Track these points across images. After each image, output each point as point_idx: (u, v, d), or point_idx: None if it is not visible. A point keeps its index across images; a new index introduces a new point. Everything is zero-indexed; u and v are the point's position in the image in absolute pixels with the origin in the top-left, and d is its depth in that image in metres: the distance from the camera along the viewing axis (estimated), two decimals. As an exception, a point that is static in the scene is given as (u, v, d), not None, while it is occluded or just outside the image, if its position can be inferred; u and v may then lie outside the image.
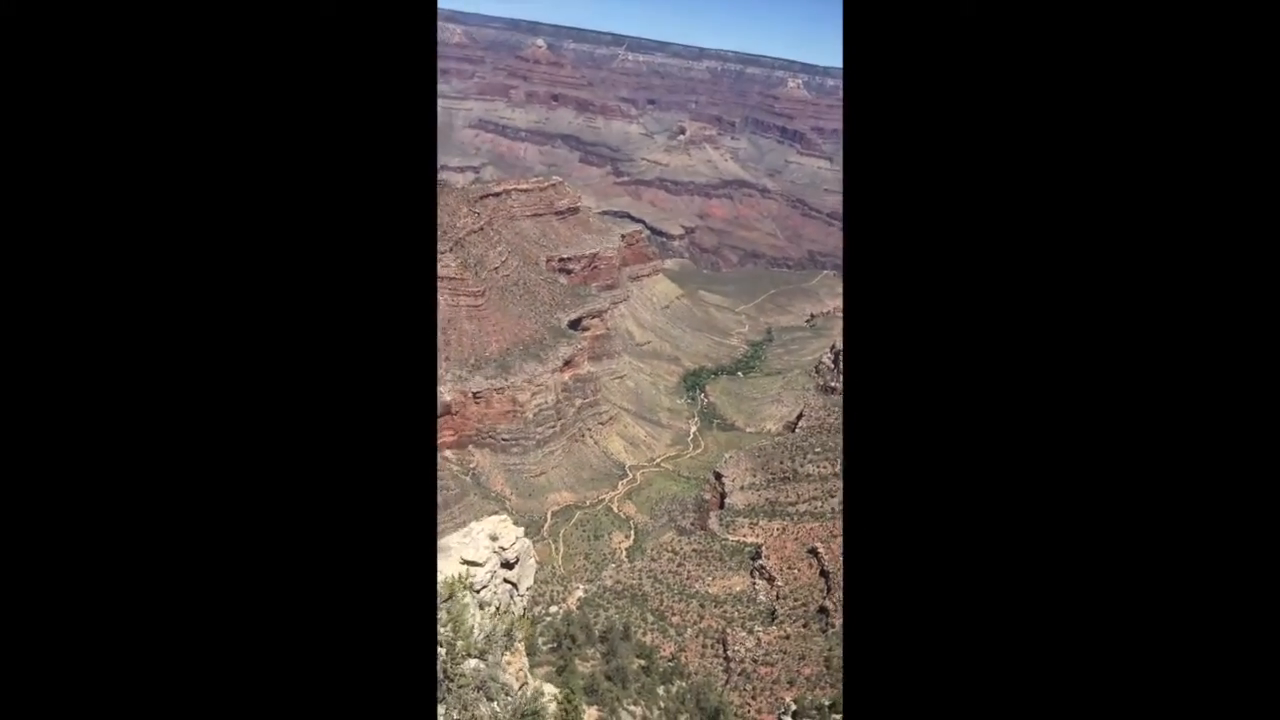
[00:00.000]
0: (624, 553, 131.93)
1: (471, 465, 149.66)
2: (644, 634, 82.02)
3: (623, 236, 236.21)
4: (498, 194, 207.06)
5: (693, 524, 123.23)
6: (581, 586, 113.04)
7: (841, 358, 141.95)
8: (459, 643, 15.21)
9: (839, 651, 69.06)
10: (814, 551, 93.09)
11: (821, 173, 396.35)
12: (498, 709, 15.69)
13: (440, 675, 14.73)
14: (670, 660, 71.81)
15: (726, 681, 73.45)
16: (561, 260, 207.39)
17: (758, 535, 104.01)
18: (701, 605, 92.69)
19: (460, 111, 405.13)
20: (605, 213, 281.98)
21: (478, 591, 17.45)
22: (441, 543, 18.43)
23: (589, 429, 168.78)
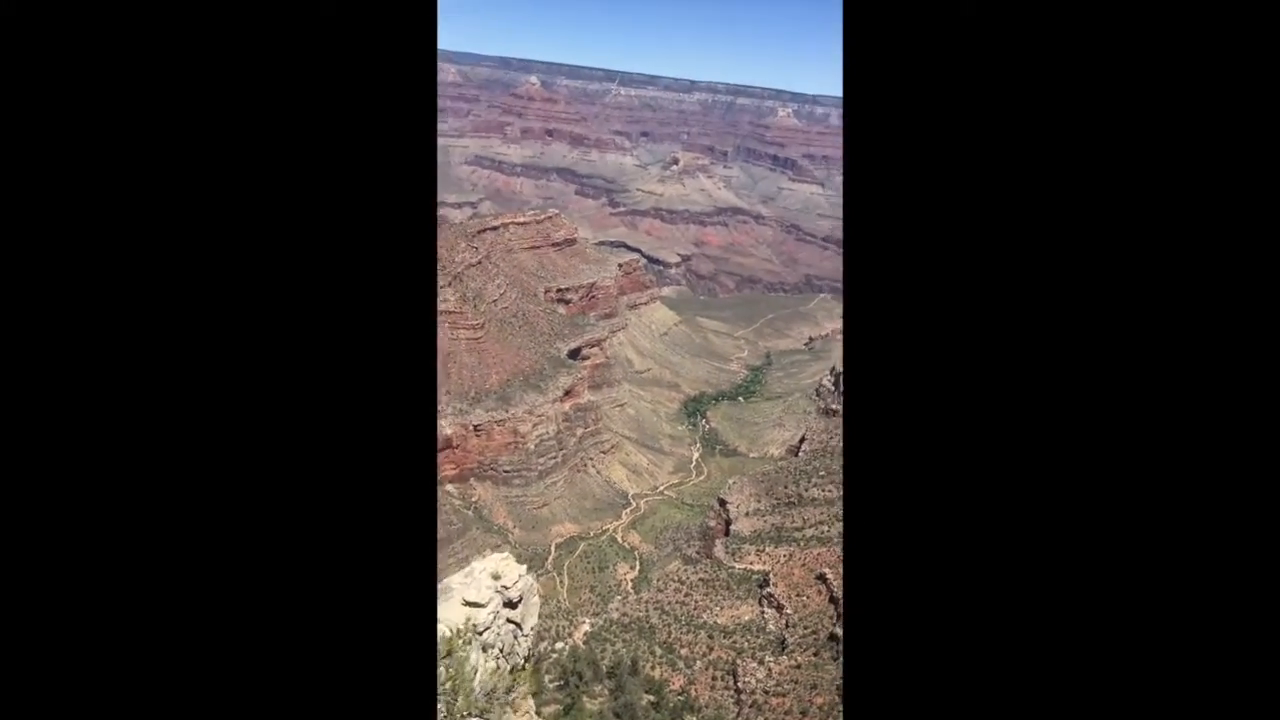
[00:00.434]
0: (629, 584, 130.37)
1: (473, 499, 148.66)
2: (652, 667, 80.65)
3: (620, 266, 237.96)
4: (495, 228, 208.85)
5: (698, 552, 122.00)
6: (587, 620, 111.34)
7: (841, 380, 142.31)
8: (459, 700, 14.76)
9: (852, 680, 67.66)
10: (822, 578, 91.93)
11: (814, 198, 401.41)
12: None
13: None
14: (680, 694, 70.51)
15: (738, 714, 71.92)
16: (559, 291, 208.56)
17: (764, 562, 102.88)
18: (710, 636, 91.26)
19: (456, 149, 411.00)
20: (602, 243, 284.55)
21: (480, 634, 17.01)
22: (443, 584, 18.02)
23: (591, 458, 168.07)
